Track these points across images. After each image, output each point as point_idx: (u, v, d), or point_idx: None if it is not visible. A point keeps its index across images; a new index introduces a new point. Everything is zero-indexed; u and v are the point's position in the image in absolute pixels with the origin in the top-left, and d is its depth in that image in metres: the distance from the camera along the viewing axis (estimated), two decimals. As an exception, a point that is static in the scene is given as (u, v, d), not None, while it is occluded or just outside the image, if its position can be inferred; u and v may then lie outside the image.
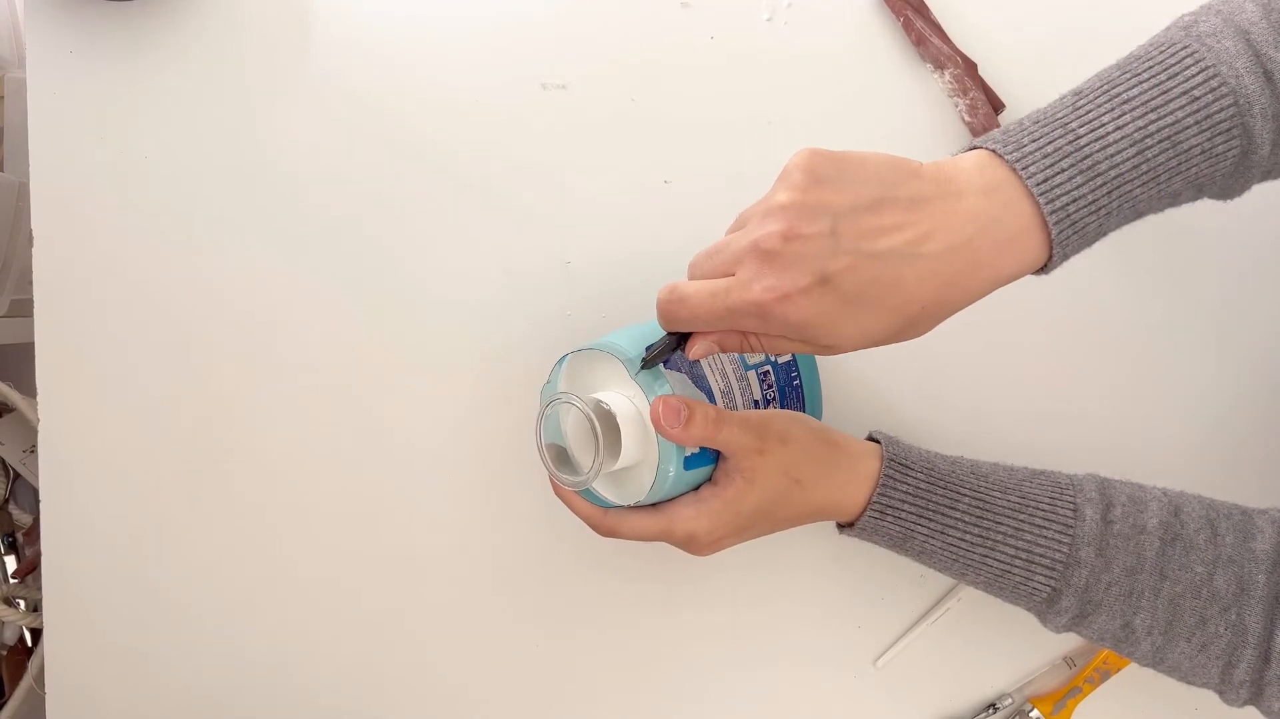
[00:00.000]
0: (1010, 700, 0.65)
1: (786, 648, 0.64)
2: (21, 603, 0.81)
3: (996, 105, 0.60)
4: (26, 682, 0.76)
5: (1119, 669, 0.65)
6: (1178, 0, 0.61)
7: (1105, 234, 0.43)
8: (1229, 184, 0.45)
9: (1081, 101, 0.43)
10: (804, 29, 0.60)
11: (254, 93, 0.57)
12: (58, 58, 0.55)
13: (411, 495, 0.60)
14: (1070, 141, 0.41)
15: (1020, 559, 0.49)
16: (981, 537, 0.50)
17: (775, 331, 0.40)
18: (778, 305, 0.39)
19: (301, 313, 0.58)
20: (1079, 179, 0.41)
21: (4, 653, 0.84)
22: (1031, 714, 0.65)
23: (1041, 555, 0.49)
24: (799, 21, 0.60)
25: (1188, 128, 0.41)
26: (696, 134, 0.60)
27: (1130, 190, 0.41)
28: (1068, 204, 0.40)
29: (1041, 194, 0.40)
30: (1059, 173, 0.40)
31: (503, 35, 0.58)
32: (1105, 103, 0.42)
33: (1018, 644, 0.65)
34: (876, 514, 0.51)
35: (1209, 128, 0.41)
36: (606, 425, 0.47)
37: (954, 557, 0.51)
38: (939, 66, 0.60)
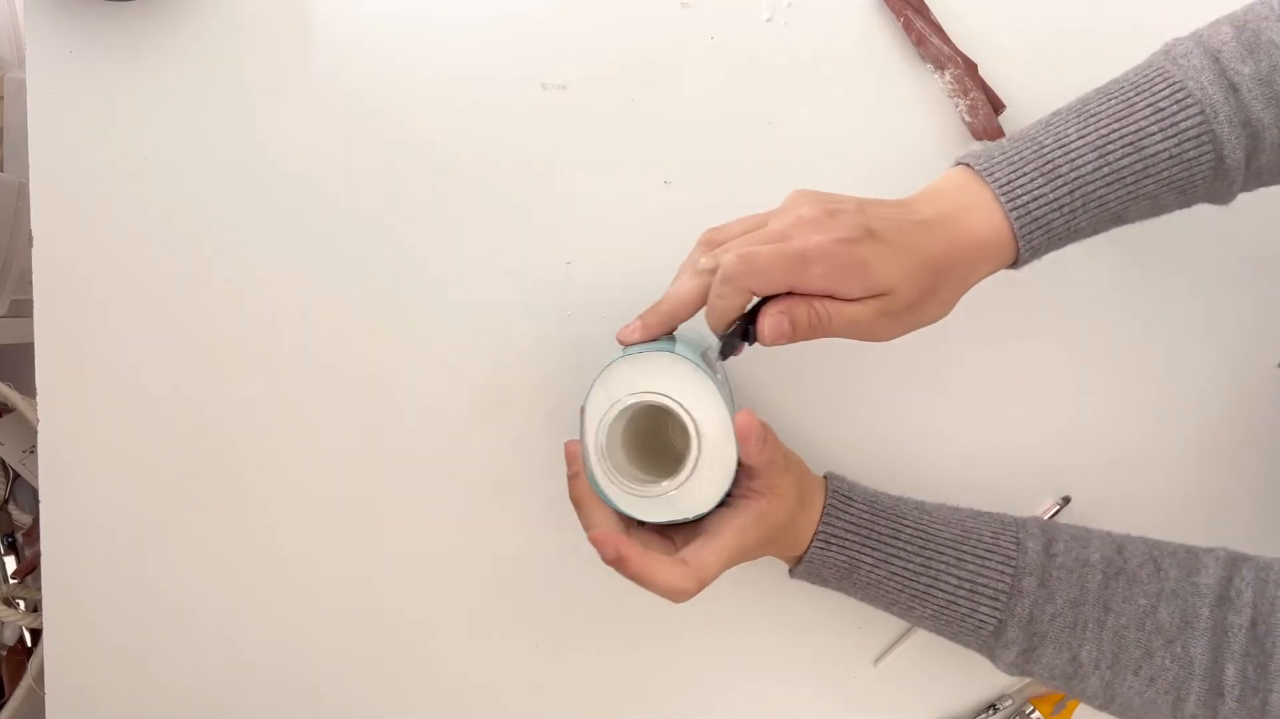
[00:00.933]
0: (1010, 701, 0.65)
1: (786, 648, 0.64)
2: (21, 603, 0.81)
3: (997, 105, 0.60)
4: (26, 682, 0.76)
5: (1119, 669, 0.65)
6: (1176, 1, 0.61)
7: (1080, 232, 0.48)
8: (1215, 189, 0.48)
9: (1055, 119, 0.49)
10: (804, 29, 0.60)
11: (254, 93, 0.57)
12: (58, 58, 0.55)
13: (411, 496, 0.60)
14: (1036, 152, 0.47)
15: (964, 589, 0.50)
16: (925, 565, 0.51)
17: (838, 275, 0.44)
18: (840, 247, 0.43)
19: (301, 313, 0.58)
20: (1040, 180, 0.46)
21: (4, 653, 0.84)
22: (1031, 715, 0.65)
23: (985, 585, 0.50)
24: (799, 21, 0.60)
25: (1152, 134, 0.46)
26: (696, 134, 0.60)
27: (1093, 190, 0.47)
28: (1028, 202, 0.46)
29: (1004, 194, 0.46)
30: (1020, 176, 0.47)
31: (503, 35, 0.58)
32: (1074, 118, 0.48)
33: (1018, 644, 0.65)
34: (822, 545, 0.51)
35: (1175, 134, 0.46)
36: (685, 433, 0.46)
37: (899, 586, 0.51)
38: (939, 66, 0.60)
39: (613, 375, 0.47)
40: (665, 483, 0.47)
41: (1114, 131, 0.47)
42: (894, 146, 0.61)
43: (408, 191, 0.58)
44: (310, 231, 0.58)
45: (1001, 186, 0.47)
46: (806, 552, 0.51)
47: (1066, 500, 0.64)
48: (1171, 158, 0.46)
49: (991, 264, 0.47)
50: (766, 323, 0.44)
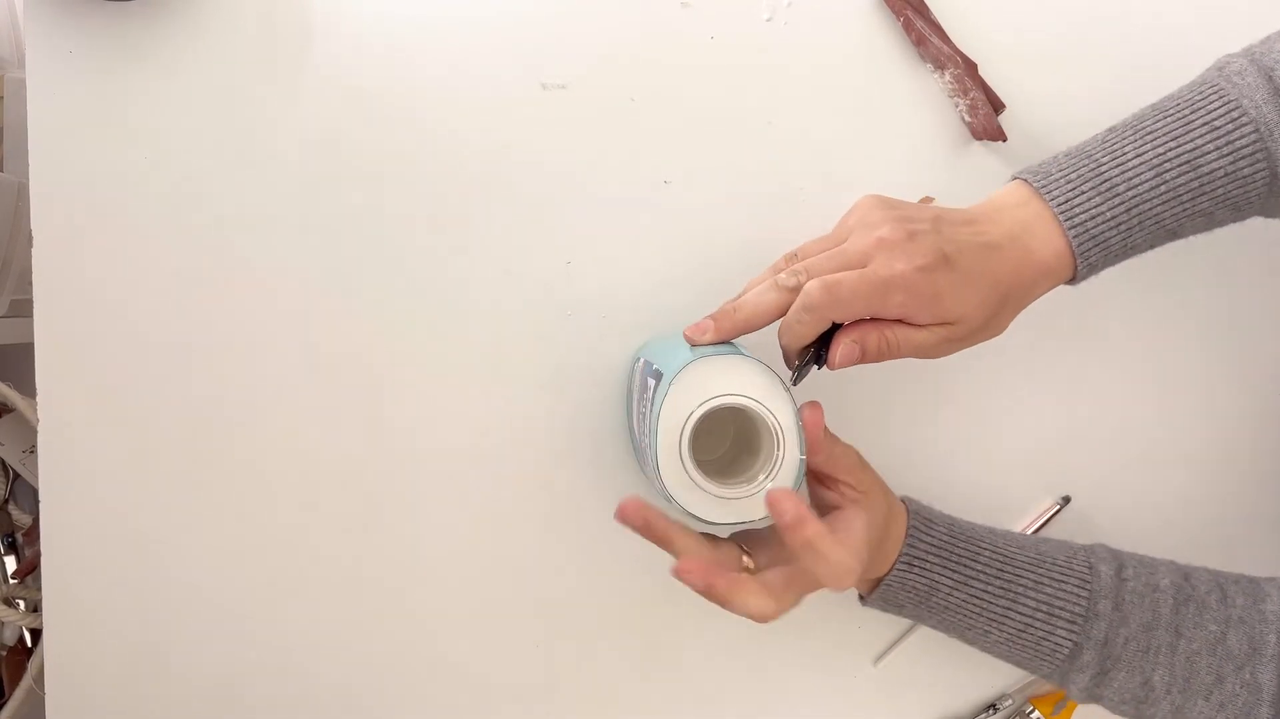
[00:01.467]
0: (1010, 701, 0.65)
1: (786, 648, 0.64)
2: (21, 603, 0.81)
3: (997, 105, 0.60)
4: (26, 682, 0.76)
5: (1119, 669, 0.65)
6: (1176, 1, 0.61)
7: (1135, 250, 0.50)
8: (1269, 204, 0.50)
9: (1111, 136, 0.49)
10: (804, 29, 0.60)
11: (254, 93, 0.57)
12: (57, 58, 0.55)
13: (411, 495, 0.60)
14: (1093, 169, 0.48)
15: (1041, 612, 0.50)
16: (1004, 588, 0.51)
17: (917, 305, 0.45)
18: (920, 275, 0.45)
19: (301, 313, 0.58)
20: (1098, 199, 0.48)
21: (4, 653, 0.84)
22: (1031, 715, 0.65)
23: (1062, 608, 0.50)
24: (799, 21, 0.60)
25: (1208, 153, 0.47)
26: (696, 134, 0.60)
27: (1150, 209, 0.48)
28: (1085, 220, 0.47)
29: (1062, 212, 0.48)
30: (1079, 194, 0.48)
31: (503, 35, 0.58)
32: (1131, 135, 0.49)
33: (1018, 644, 0.65)
34: (904, 566, 0.51)
35: (1230, 153, 0.47)
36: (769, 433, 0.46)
37: (977, 610, 0.51)
38: (939, 66, 0.60)
39: (690, 378, 0.46)
40: (761, 477, 0.46)
41: (1170, 150, 0.48)
42: (894, 146, 0.61)
43: (408, 191, 0.58)
44: (310, 231, 0.58)
45: (1060, 205, 0.48)
46: (887, 574, 0.51)
47: (1066, 500, 0.64)
48: (1227, 175, 0.47)
49: (1050, 282, 0.49)
50: (840, 351, 0.46)
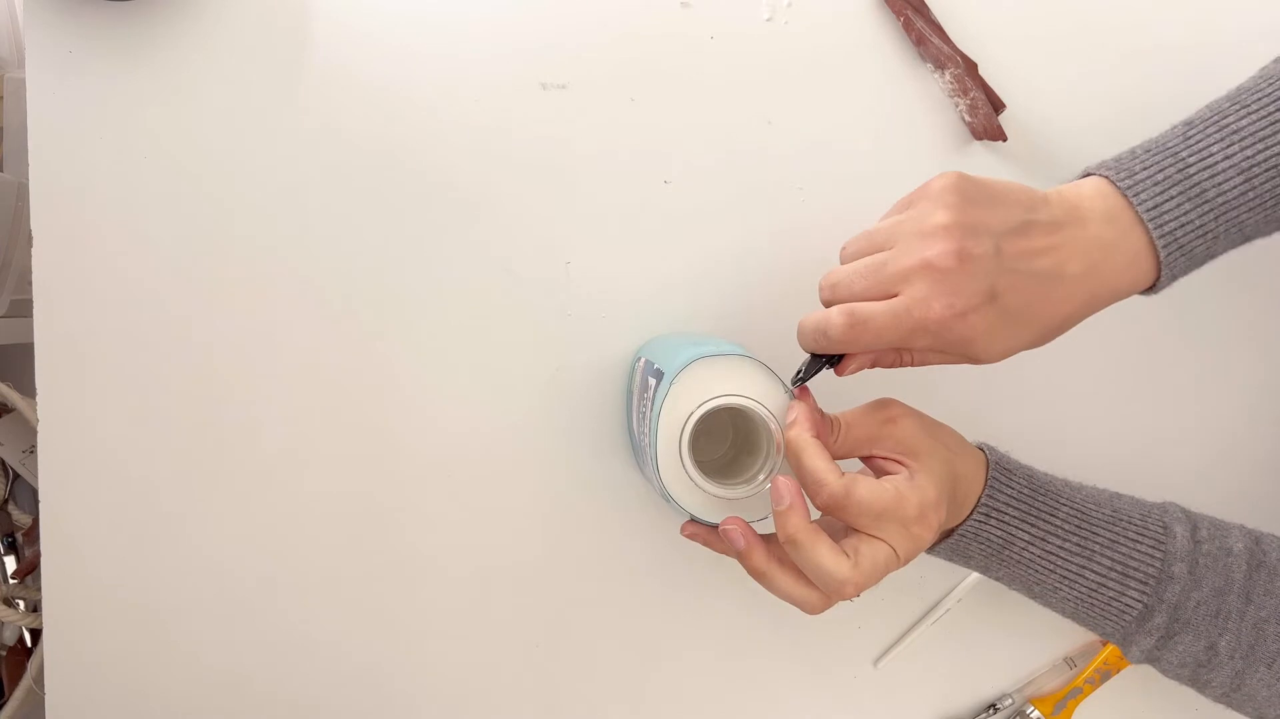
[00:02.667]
0: (1010, 701, 0.65)
1: (786, 648, 0.64)
2: (21, 603, 0.81)
3: (997, 105, 0.60)
4: (26, 682, 0.76)
5: (1119, 670, 0.65)
6: (1176, 2, 0.61)
7: (1214, 256, 0.47)
8: None
9: (1192, 132, 0.46)
10: (804, 29, 0.60)
11: (254, 93, 0.57)
12: (57, 58, 0.55)
13: (411, 495, 0.60)
14: (1179, 170, 0.45)
15: (1116, 572, 0.49)
16: (1080, 546, 0.49)
17: (942, 347, 0.43)
18: (956, 322, 0.42)
19: (301, 313, 0.58)
20: (1187, 205, 0.45)
21: (4, 653, 0.84)
22: (1031, 715, 0.65)
23: (1136, 569, 0.49)
24: (799, 21, 0.60)
25: None
26: (696, 134, 0.60)
27: (1237, 216, 0.45)
28: (1175, 229, 0.45)
29: (1151, 219, 0.44)
30: (1168, 199, 0.45)
31: (503, 35, 0.58)
32: (1215, 133, 0.46)
33: (1018, 644, 0.65)
34: (981, 517, 0.49)
35: None
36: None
37: (1050, 566, 0.49)
38: (939, 66, 0.60)
39: (691, 378, 0.46)
40: (761, 477, 0.46)
41: (1259, 153, 0.45)
42: (894, 146, 0.61)
43: (408, 191, 0.58)
44: (310, 231, 0.58)
45: (1149, 210, 0.45)
46: (963, 523, 0.49)
47: (1066, 500, 0.64)
48: None
49: (1125, 296, 0.46)
50: (853, 365, 0.46)
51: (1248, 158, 0.45)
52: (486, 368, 0.60)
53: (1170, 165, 0.45)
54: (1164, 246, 0.44)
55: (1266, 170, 0.45)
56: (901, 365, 0.46)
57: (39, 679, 0.75)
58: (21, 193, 0.78)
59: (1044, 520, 0.49)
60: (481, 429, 0.60)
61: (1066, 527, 0.49)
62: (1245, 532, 0.50)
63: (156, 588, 0.59)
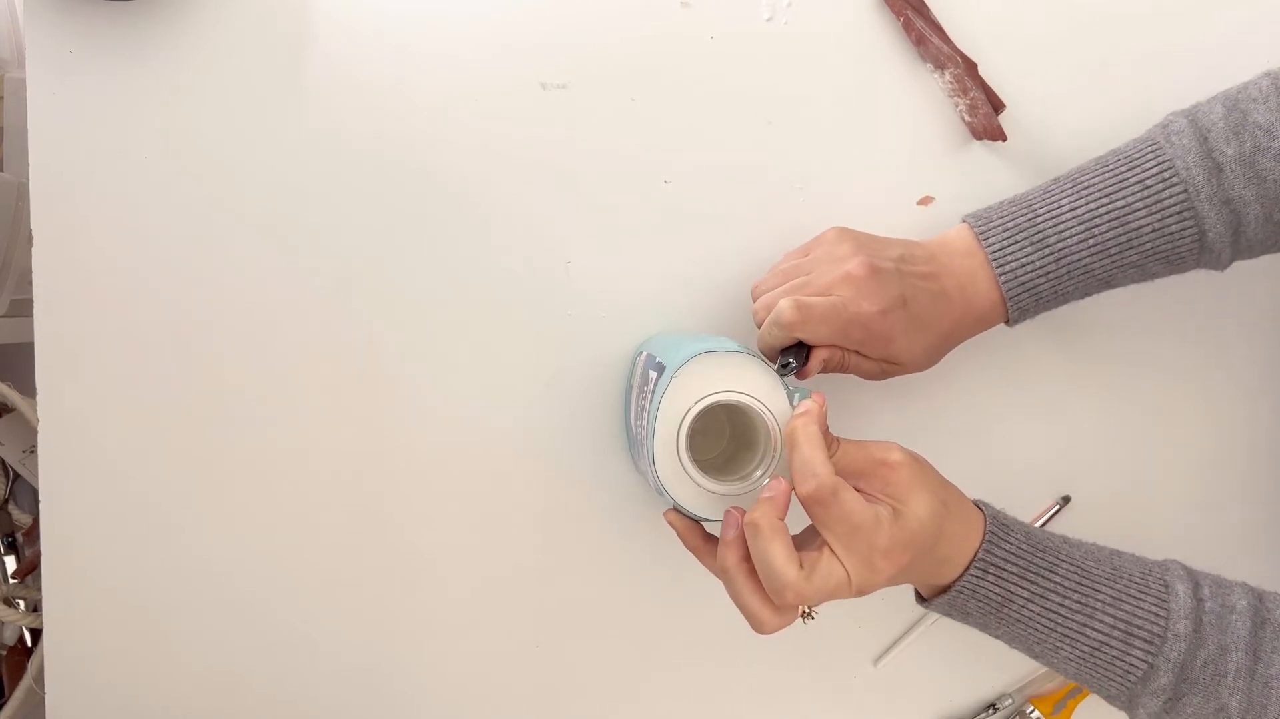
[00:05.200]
0: (1010, 700, 0.65)
1: (786, 648, 0.64)
2: (21, 603, 0.81)
3: (997, 105, 0.60)
4: (26, 682, 0.76)
5: (1119, 669, 0.65)
6: (1173, 2, 0.61)
7: (1069, 295, 0.53)
8: (1204, 260, 0.53)
9: (1053, 187, 0.53)
10: (804, 29, 0.60)
11: (254, 93, 0.57)
12: (58, 58, 0.55)
13: (411, 495, 0.60)
14: (1029, 220, 0.53)
15: (1119, 630, 0.48)
16: (1081, 603, 0.48)
17: (870, 343, 0.51)
18: (881, 318, 0.50)
19: (301, 312, 0.58)
20: (1029, 248, 0.52)
21: (4, 653, 0.84)
22: (1031, 714, 0.65)
23: (1139, 628, 0.48)
24: (799, 21, 0.60)
25: (1136, 210, 0.51)
26: (696, 134, 0.60)
27: (1079, 260, 0.52)
28: (1016, 269, 0.52)
29: (995, 259, 0.53)
30: (1013, 244, 0.52)
31: (503, 35, 0.58)
32: (1069, 189, 0.53)
33: (1018, 644, 0.65)
34: (979, 573, 0.48)
35: (1158, 210, 0.51)
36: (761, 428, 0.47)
37: (1051, 625, 0.48)
38: (939, 66, 0.60)
39: (692, 372, 0.47)
40: (758, 473, 0.46)
41: (1101, 206, 0.51)
42: (894, 146, 0.61)
43: (408, 191, 0.58)
44: (310, 231, 0.58)
45: (994, 253, 0.53)
46: (959, 579, 0.48)
47: (1066, 500, 0.64)
48: (1155, 231, 0.51)
49: (986, 325, 0.54)
50: (815, 365, 0.51)
51: (1090, 209, 0.51)
52: (486, 368, 0.60)
53: (1022, 216, 0.53)
54: (1006, 283, 0.52)
55: (1109, 221, 0.51)
56: (843, 368, 0.52)
57: (39, 679, 0.75)
58: (21, 193, 0.78)
59: (1043, 577, 0.48)
60: (481, 429, 0.60)
61: (1066, 584, 0.48)
62: (1247, 589, 0.50)
63: (156, 588, 0.59)
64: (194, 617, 0.60)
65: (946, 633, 0.64)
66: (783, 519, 0.44)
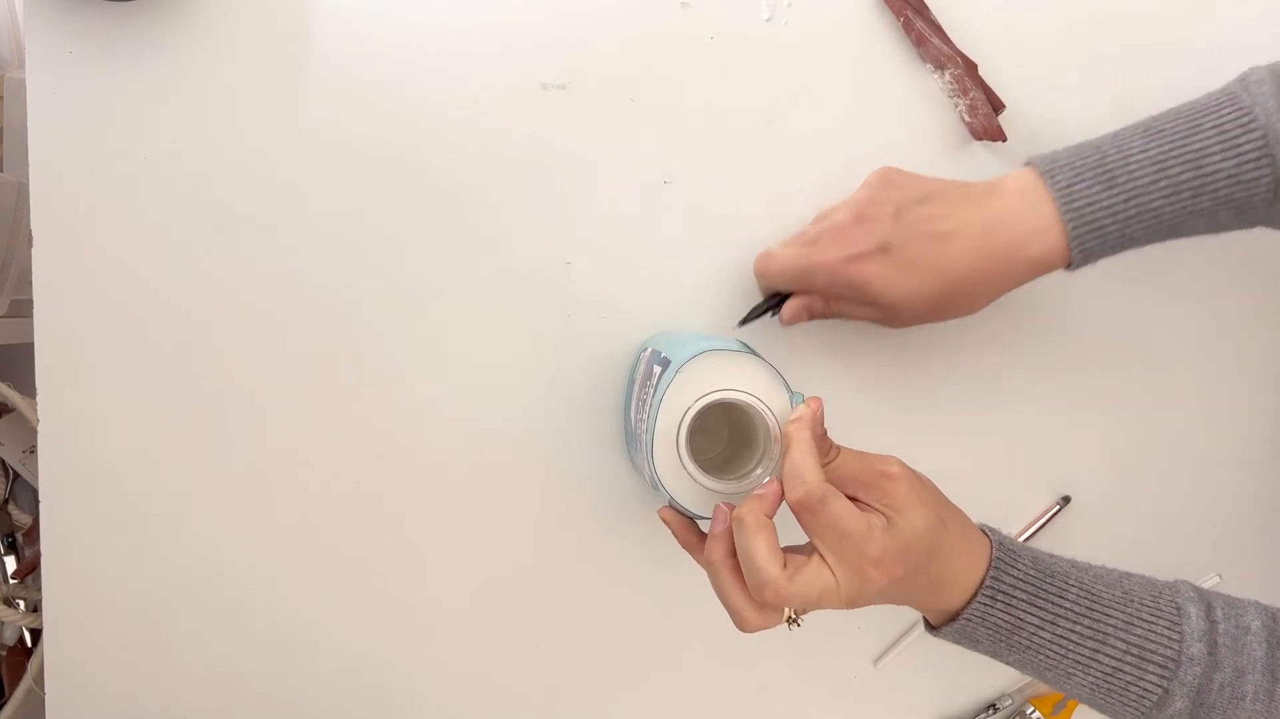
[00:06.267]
0: (1010, 701, 0.65)
1: (786, 648, 0.64)
2: (21, 603, 0.81)
3: (997, 105, 0.60)
4: (26, 682, 0.76)
5: (1119, 669, 0.65)
6: (1176, 2, 0.61)
7: (1135, 240, 0.52)
8: (1274, 213, 0.51)
9: (1122, 131, 0.52)
10: (804, 29, 0.60)
11: (253, 93, 0.57)
12: (57, 58, 0.55)
13: (412, 495, 0.60)
14: (1098, 160, 0.51)
15: (1131, 656, 0.47)
16: (1092, 629, 0.47)
17: (841, 289, 0.52)
18: (843, 265, 0.52)
19: (301, 313, 0.58)
20: (1098, 187, 0.50)
21: (4, 653, 0.84)
22: (1031, 715, 0.65)
23: (1153, 652, 0.47)
24: (799, 21, 0.60)
25: (1212, 154, 0.49)
26: (696, 134, 0.60)
27: (1150, 202, 0.50)
28: (1083, 206, 0.50)
29: (1060, 196, 0.50)
30: (1080, 180, 0.50)
31: (503, 35, 0.58)
32: (1141, 133, 0.51)
33: (1018, 644, 0.65)
34: (988, 600, 0.47)
35: (1235, 155, 0.49)
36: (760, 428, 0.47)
37: (1062, 652, 0.48)
38: (939, 66, 0.60)
39: (696, 369, 0.47)
40: (758, 472, 0.46)
41: (1176, 147, 0.50)
42: (894, 146, 0.61)
43: (407, 191, 0.58)
44: (309, 230, 0.58)
45: (1060, 190, 0.51)
46: (967, 607, 0.47)
47: (1066, 500, 0.64)
48: (1230, 177, 0.49)
49: (1042, 268, 0.52)
50: (788, 310, 0.55)
51: (1164, 150, 0.50)
52: (486, 368, 0.60)
53: (1091, 155, 0.51)
54: (1071, 222, 0.50)
55: (1182, 164, 0.49)
56: (829, 314, 0.55)
57: (39, 679, 0.75)
58: (21, 193, 0.78)
59: (1052, 603, 0.48)
60: (481, 429, 0.60)
61: (1077, 609, 0.48)
62: (1261, 608, 0.49)
63: (156, 588, 0.59)
64: (194, 617, 0.60)
65: (946, 633, 0.64)
66: (771, 517, 0.44)
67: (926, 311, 0.53)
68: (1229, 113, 0.50)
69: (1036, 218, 0.51)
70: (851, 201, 0.53)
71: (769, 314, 0.57)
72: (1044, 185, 0.51)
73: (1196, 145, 0.49)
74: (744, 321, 0.58)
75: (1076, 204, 0.50)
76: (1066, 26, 0.61)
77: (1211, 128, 0.50)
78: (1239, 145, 0.49)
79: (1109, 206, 0.50)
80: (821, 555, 0.43)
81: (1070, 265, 0.52)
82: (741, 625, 0.45)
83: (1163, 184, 0.50)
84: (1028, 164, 0.53)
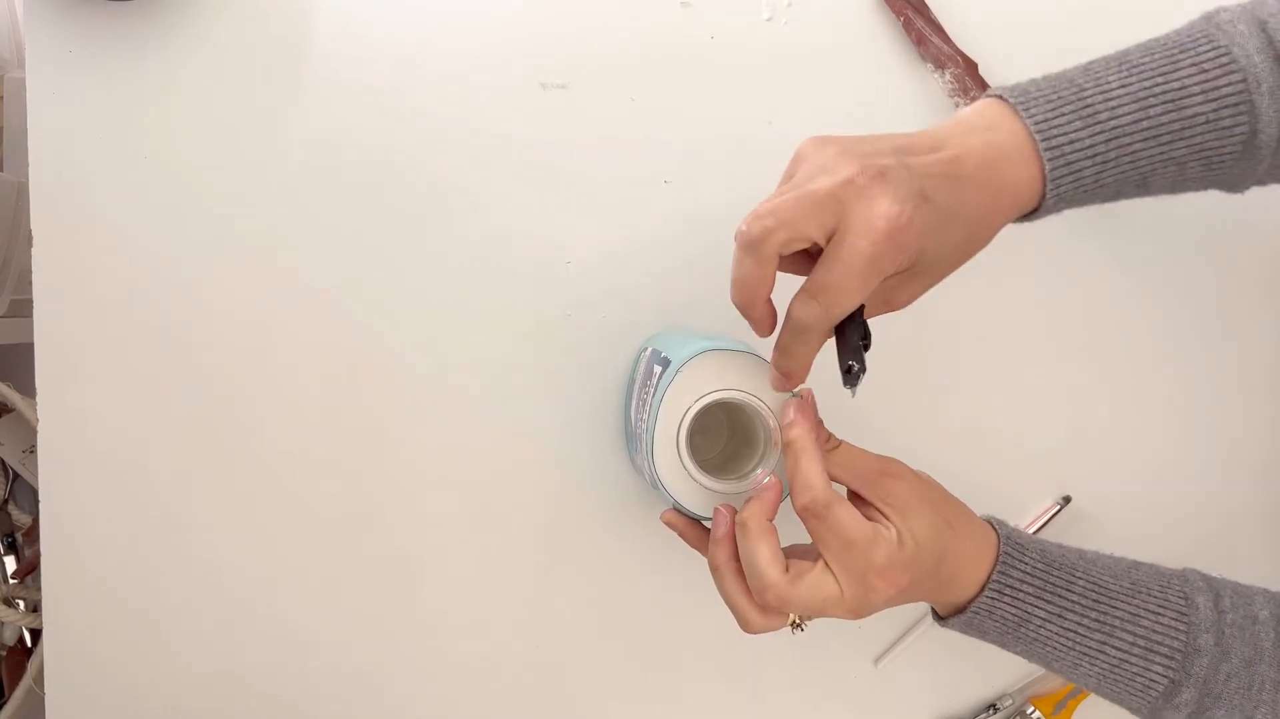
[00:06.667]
0: (1010, 700, 0.65)
1: (787, 648, 0.64)
2: (21, 603, 0.81)
3: (996, 105, 0.60)
4: (26, 682, 0.76)
5: (1119, 669, 0.65)
6: (1173, 3, 0.61)
7: (1104, 189, 0.45)
8: (1239, 168, 0.46)
9: (1093, 65, 0.45)
10: (804, 29, 0.60)
11: (253, 92, 0.57)
12: (57, 58, 0.55)
13: (411, 495, 0.60)
14: (1075, 93, 0.44)
15: (1139, 647, 0.47)
16: (1099, 621, 0.47)
17: (905, 262, 0.41)
18: (904, 232, 0.39)
19: (301, 313, 0.58)
20: (1078, 123, 0.43)
21: (4, 653, 0.84)
22: (1032, 714, 0.65)
23: (1160, 643, 0.47)
24: (799, 21, 0.60)
25: (1193, 94, 0.44)
26: (696, 134, 0.60)
27: (1130, 144, 0.44)
28: (1064, 145, 0.43)
29: (1040, 134, 0.43)
30: (1059, 116, 0.43)
31: (503, 35, 0.58)
32: (1116, 66, 0.45)
33: (1018, 644, 0.65)
34: (995, 593, 0.47)
35: (1215, 98, 0.44)
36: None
37: (1069, 644, 0.48)
38: (939, 66, 0.60)
39: (697, 369, 0.47)
40: (758, 472, 0.46)
41: (1156, 85, 0.44)
42: (894, 146, 0.61)
43: (407, 191, 0.58)
44: (310, 231, 0.58)
45: (1038, 125, 0.43)
46: (975, 600, 0.47)
47: (1067, 500, 0.64)
48: (1209, 122, 0.44)
49: (1014, 214, 0.45)
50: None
51: (1145, 88, 0.44)
52: (486, 367, 0.60)
53: (1066, 89, 0.44)
54: (1051, 162, 0.43)
55: (1163, 103, 0.44)
56: (891, 309, 0.45)
57: (39, 679, 0.75)
58: (21, 193, 0.78)
59: (1060, 596, 0.47)
60: (480, 429, 0.60)
61: (1084, 602, 0.47)
62: (1270, 597, 0.49)
63: (156, 588, 0.59)
64: (194, 617, 0.60)
65: (946, 633, 0.64)
66: (772, 520, 0.44)
67: (946, 271, 0.44)
68: (1206, 51, 0.45)
69: (1016, 153, 0.44)
70: (829, 160, 0.41)
71: (863, 347, 0.43)
72: (1015, 117, 0.44)
73: (1176, 83, 0.44)
74: (853, 383, 0.42)
75: (1057, 141, 0.43)
76: (1066, 26, 0.61)
77: (1190, 66, 0.45)
78: (1219, 88, 0.44)
79: (1090, 147, 0.44)
80: (827, 564, 0.43)
81: (1035, 213, 0.45)
82: (746, 627, 0.45)
83: (1145, 124, 0.44)
84: (990, 96, 0.45)
